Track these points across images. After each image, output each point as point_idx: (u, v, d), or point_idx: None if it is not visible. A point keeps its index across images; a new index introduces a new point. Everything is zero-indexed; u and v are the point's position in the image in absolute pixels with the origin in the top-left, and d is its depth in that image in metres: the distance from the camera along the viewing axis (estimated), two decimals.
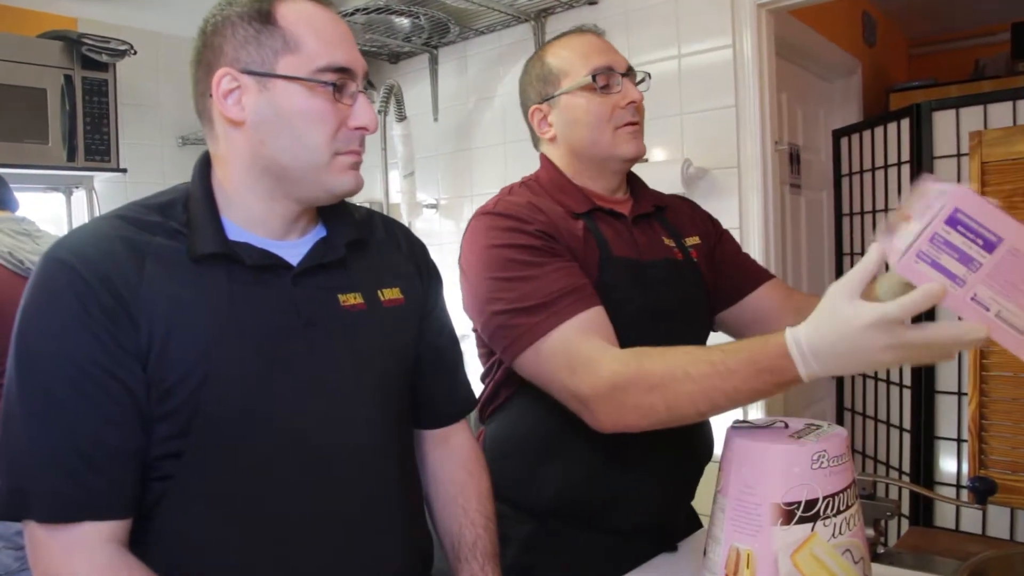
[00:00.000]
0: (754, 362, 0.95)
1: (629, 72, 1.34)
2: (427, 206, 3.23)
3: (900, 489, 2.78)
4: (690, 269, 1.36)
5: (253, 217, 0.97)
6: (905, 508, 2.74)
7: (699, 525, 1.49)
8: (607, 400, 1.07)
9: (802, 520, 0.91)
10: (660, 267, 1.31)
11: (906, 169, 2.74)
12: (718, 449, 1.49)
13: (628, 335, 1.20)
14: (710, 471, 1.29)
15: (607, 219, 1.32)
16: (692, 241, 1.40)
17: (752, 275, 1.43)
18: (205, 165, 0.99)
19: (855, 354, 0.87)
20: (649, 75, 1.39)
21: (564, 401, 1.14)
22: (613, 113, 1.30)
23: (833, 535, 0.92)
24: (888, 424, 2.97)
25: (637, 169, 1.43)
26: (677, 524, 1.40)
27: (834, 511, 0.93)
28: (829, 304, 0.88)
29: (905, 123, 2.74)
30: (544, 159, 1.39)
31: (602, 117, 1.30)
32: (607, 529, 1.30)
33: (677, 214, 1.44)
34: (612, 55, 1.33)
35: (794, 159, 3.07)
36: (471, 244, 1.26)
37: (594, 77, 1.30)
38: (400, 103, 2.89)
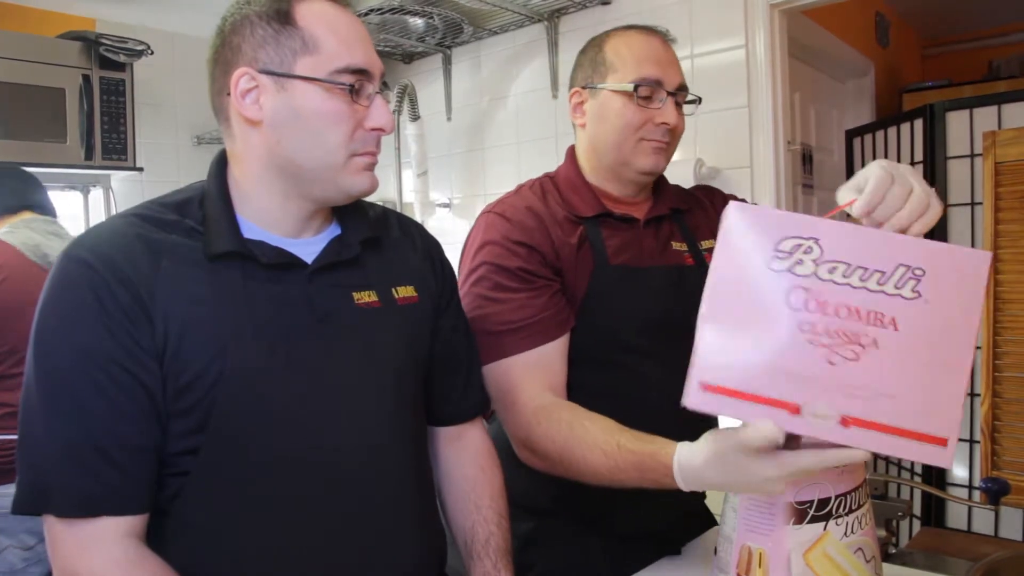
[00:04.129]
0: (640, 469, 1.02)
1: (680, 91, 1.29)
2: (440, 205, 3.24)
3: (912, 489, 2.76)
4: (701, 275, 1.33)
5: (268, 215, 0.97)
6: (917, 509, 2.73)
7: (714, 523, 1.49)
8: (522, 445, 1.20)
9: (814, 519, 0.91)
10: (662, 273, 1.29)
11: (919, 170, 2.73)
12: None
13: (625, 343, 1.22)
14: None
15: (614, 223, 1.30)
16: (708, 244, 1.36)
17: None
18: (221, 163, 0.99)
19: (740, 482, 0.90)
20: (700, 99, 1.33)
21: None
22: (644, 126, 1.26)
23: (845, 534, 0.92)
24: None
25: None
26: (681, 529, 1.37)
27: (846, 510, 0.92)
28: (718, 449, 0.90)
29: (919, 123, 2.72)
30: (569, 152, 1.38)
31: (632, 126, 1.26)
32: (607, 533, 1.30)
33: (696, 216, 1.40)
34: (667, 69, 1.27)
35: (807, 159, 3.06)
36: (471, 243, 1.30)
37: (636, 87, 1.25)
38: (414, 103, 2.90)
